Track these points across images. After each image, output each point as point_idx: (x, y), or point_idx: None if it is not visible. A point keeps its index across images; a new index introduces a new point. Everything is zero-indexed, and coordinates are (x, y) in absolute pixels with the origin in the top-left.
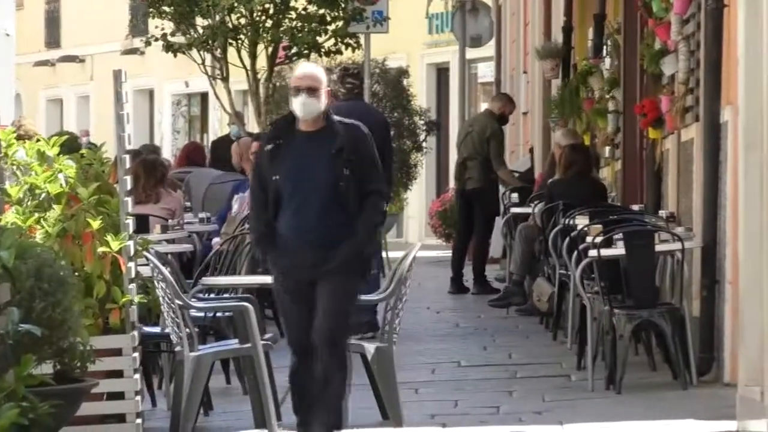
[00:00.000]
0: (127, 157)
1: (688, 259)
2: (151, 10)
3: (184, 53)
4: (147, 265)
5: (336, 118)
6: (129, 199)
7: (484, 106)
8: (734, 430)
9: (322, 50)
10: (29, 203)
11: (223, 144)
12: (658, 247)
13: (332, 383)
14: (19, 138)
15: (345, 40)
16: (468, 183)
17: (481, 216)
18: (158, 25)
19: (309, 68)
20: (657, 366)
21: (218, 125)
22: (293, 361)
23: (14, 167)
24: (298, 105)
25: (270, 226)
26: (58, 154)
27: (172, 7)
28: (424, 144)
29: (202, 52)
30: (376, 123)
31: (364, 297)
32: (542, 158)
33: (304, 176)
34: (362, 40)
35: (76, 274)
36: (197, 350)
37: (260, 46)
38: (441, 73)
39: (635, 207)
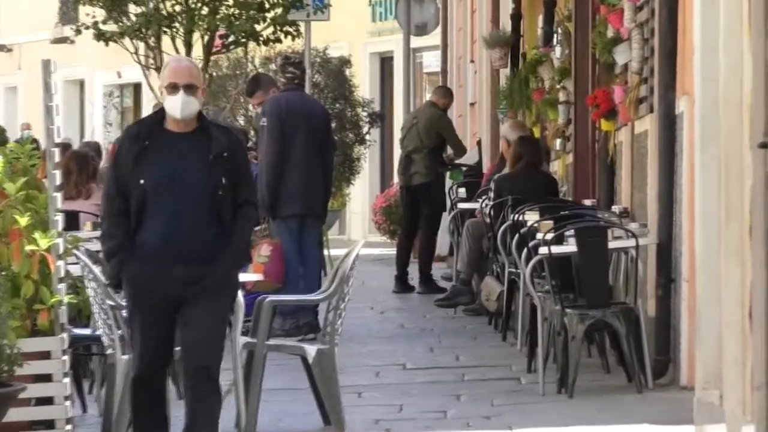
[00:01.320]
0: (57, 150)
1: (643, 256)
2: None
3: (116, 42)
4: (77, 263)
5: (208, 120)
6: (58, 195)
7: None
8: None
9: (261, 39)
10: None
11: None
12: (612, 244)
13: (208, 413)
14: None
15: (284, 28)
16: (414, 178)
17: (428, 212)
18: (89, 13)
19: (186, 63)
20: (611, 368)
21: None
22: (139, 382)
23: None
24: (175, 104)
25: (129, 236)
26: None
27: None
28: (367, 137)
29: (135, 41)
30: (317, 114)
31: (304, 297)
32: (490, 151)
33: (176, 182)
34: (302, 28)
35: (3, 273)
36: (129, 353)
37: (196, 35)
38: (385, 62)
39: (587, 202)
